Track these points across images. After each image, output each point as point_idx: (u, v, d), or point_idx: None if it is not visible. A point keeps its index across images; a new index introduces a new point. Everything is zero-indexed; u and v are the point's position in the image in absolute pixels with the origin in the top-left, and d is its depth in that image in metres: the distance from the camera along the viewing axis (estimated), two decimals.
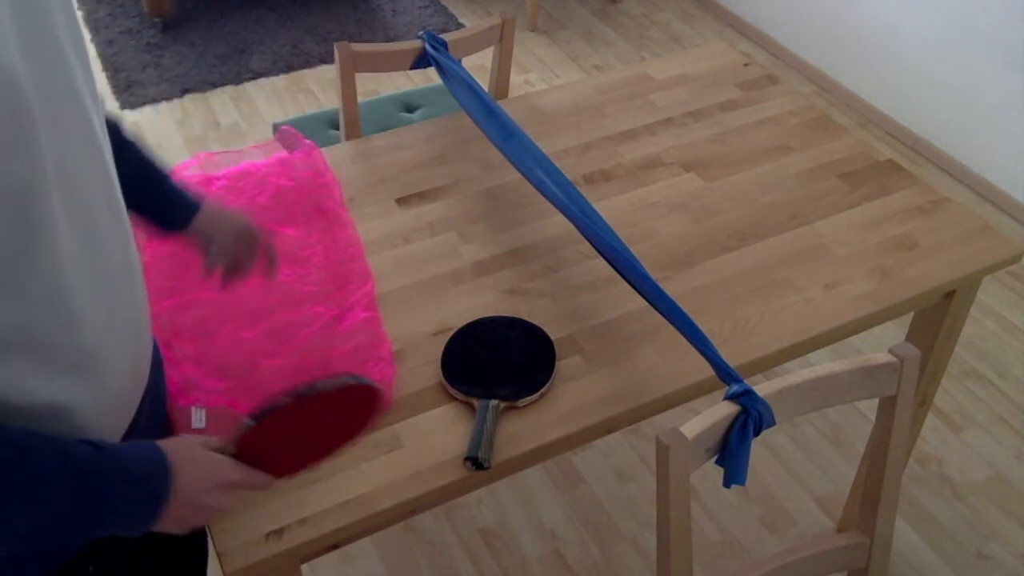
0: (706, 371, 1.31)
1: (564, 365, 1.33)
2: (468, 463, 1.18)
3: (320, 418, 1.00)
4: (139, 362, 0.99)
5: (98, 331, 0.87)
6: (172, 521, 0.89)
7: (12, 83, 0.72)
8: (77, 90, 0.83)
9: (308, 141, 1.68)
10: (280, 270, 1.43)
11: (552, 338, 1.36)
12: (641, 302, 1.42)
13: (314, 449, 1.03)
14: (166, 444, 0.91)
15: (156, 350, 1.10)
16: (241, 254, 1.27)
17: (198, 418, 1.21)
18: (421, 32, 1.88)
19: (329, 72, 3.51)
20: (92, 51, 3.59)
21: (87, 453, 0.83)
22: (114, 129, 1.11)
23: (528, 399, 1.26)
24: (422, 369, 1.32)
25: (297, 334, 1.33)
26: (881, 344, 2.44)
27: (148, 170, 1.18)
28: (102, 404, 0.91)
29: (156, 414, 1.10)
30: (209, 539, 1.25)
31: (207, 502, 0.91)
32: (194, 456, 0.92)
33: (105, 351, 0.89)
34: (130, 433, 0.98)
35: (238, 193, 1.57)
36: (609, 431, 1.30)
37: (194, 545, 1.32)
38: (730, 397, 1.16)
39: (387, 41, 3.66)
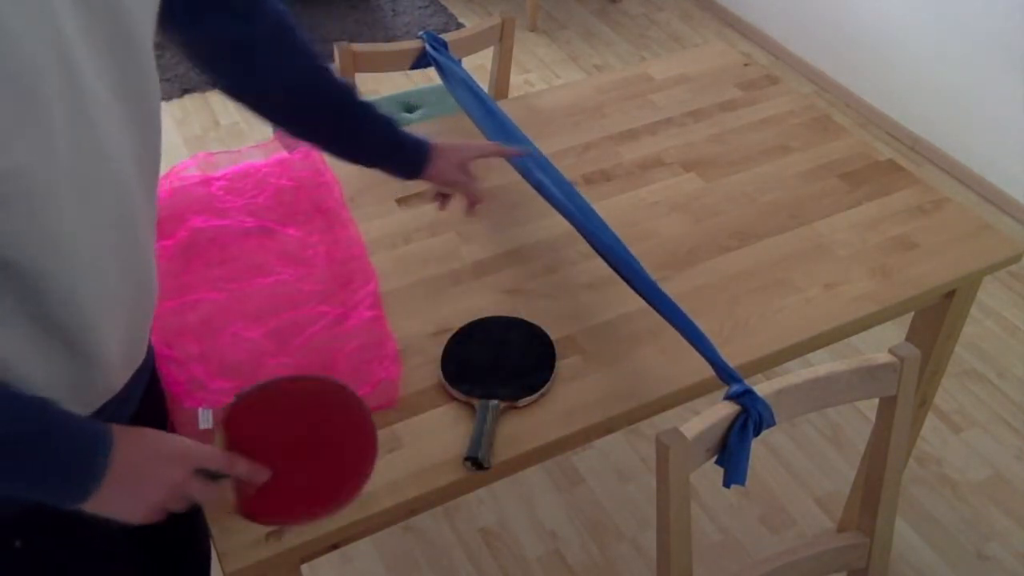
0: (706, 371, 1.31)
1: (564, 365, 1.33)
2: (468, 463, 1.18)
3: (305, 418, 0.98)
4: (134, 335, 0.99)
5: (87, 275, 0.87)
6: (118, 493, 0.86)
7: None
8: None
9: None
10: (282, 270, 1.43)
11: (552, 338, 1.36)
12: (641, 302, 1.42)
13: (303, 463, 0.99)
14: (119, 427, 0.88)
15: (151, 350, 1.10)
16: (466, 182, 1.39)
17: (205, 419, 1.21)
18: (421, 32, 1.88)
19: None
20: None
21: (35, 402, 0.83)
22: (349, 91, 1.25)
23: (528, 399, 1.26)
24: (422, 369, 1.32)
25: (301, 333, 1.33)
26: (881, 344, 2.44)
27: (376, 118, 1.29)
28: (85, 368, 0.92)
29: (154, 403, 1.12)
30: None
31: (159, 473, 0.88)
32: (149, 433, 0.90)
33: (95, 310, 0.89)
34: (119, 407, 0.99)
35: (238, 193, 1.57)
36: (609, 431, 1.30)
37: (194, 544, 1.32)
38: (730, 397, 1.16)
39: (387, 41, 3.65)
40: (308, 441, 0.99)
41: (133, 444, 0.87)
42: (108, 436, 0.86)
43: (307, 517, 0.98)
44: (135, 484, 0.86)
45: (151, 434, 0.90)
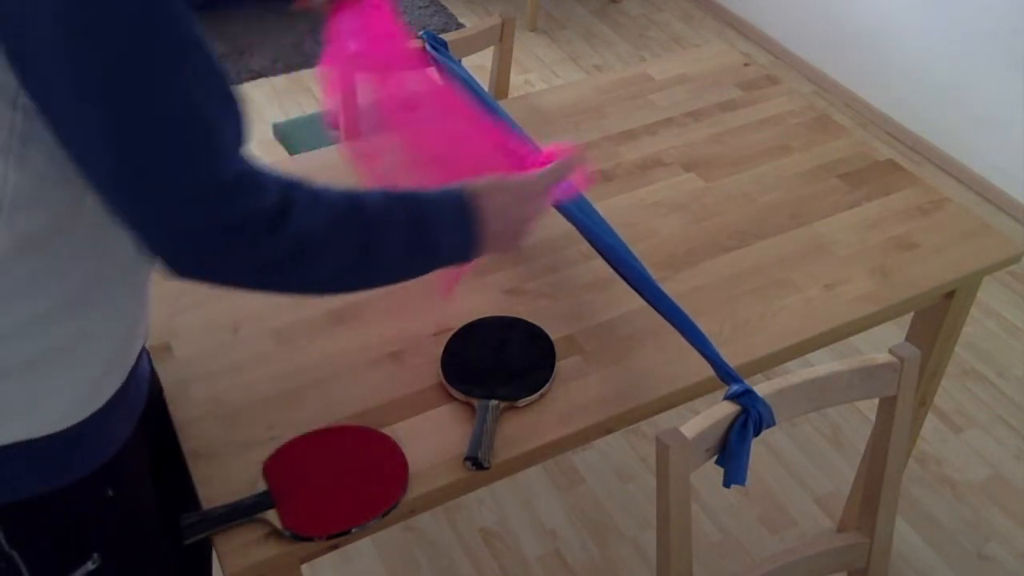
0: (706, 371, 1.31)
1: (564, 365, 1.33)
2: (468, 463, 1.18)
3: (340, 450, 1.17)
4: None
5: None
6: (496, 239, 1.05)
7: None
8: None
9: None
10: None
11: (552, 338, 1.36)
12: (641, 302, 1.42)
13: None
14: (465, 185, 1.05)
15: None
16: None
17: None
18: (421, 32, 1.88)
19: None
20: None
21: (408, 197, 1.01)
22: None
23: (528, 399, 1.26)
24: (422, 369, 1.32)
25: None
26: (881, 344, 2.44)
27: None
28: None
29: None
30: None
31: (521, 211, 1.07)
32: (495, 183, 1.06)
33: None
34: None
35: None
36: (609, 431, 1.30)
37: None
38: (730, 397, 1.16)
39: None
40: (344, 468, 1.16)
41: (490, 198, 1.04)
42: (470, 200, 1.03)
43: (348, 525, 1.11)
44: (505, 225, 1.06)
45: (499, 184, 1.06)
